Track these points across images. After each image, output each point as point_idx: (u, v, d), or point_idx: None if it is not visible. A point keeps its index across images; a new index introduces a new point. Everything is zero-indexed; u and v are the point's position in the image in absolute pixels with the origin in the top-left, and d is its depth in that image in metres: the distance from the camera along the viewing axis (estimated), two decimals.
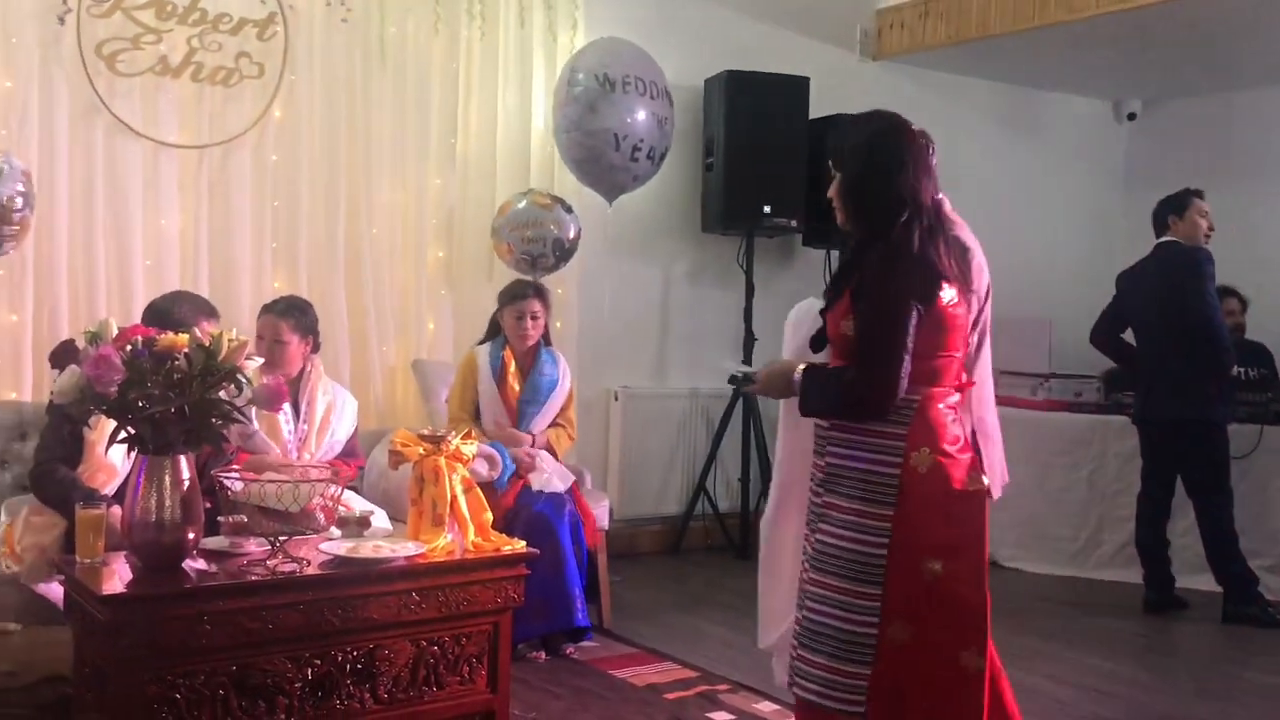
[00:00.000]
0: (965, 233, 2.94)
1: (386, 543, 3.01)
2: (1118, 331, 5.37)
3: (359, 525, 3.15)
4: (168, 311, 3.45)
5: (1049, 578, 5.60)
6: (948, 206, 2.97)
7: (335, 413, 3.89)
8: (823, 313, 2.69)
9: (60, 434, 3.35)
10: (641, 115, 4.96)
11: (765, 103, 5.62)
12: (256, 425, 3.66)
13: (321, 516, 2.84)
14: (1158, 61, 6.39)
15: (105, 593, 2.61)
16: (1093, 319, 7.25)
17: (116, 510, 3.06)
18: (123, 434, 2.69)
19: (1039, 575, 5.64)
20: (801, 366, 2.64)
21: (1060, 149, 7.27)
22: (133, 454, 3.16)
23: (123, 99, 4.27)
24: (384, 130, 4.85)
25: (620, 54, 5.03)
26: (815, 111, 5.78)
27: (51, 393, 3.36)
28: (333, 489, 2.87)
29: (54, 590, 3.14)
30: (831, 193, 2.70)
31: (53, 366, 2.81)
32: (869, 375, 2.50)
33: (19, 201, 3.79)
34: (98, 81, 4.20)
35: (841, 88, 6.12)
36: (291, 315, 3.82)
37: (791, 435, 2.90)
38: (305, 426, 3.80)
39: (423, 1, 4.90)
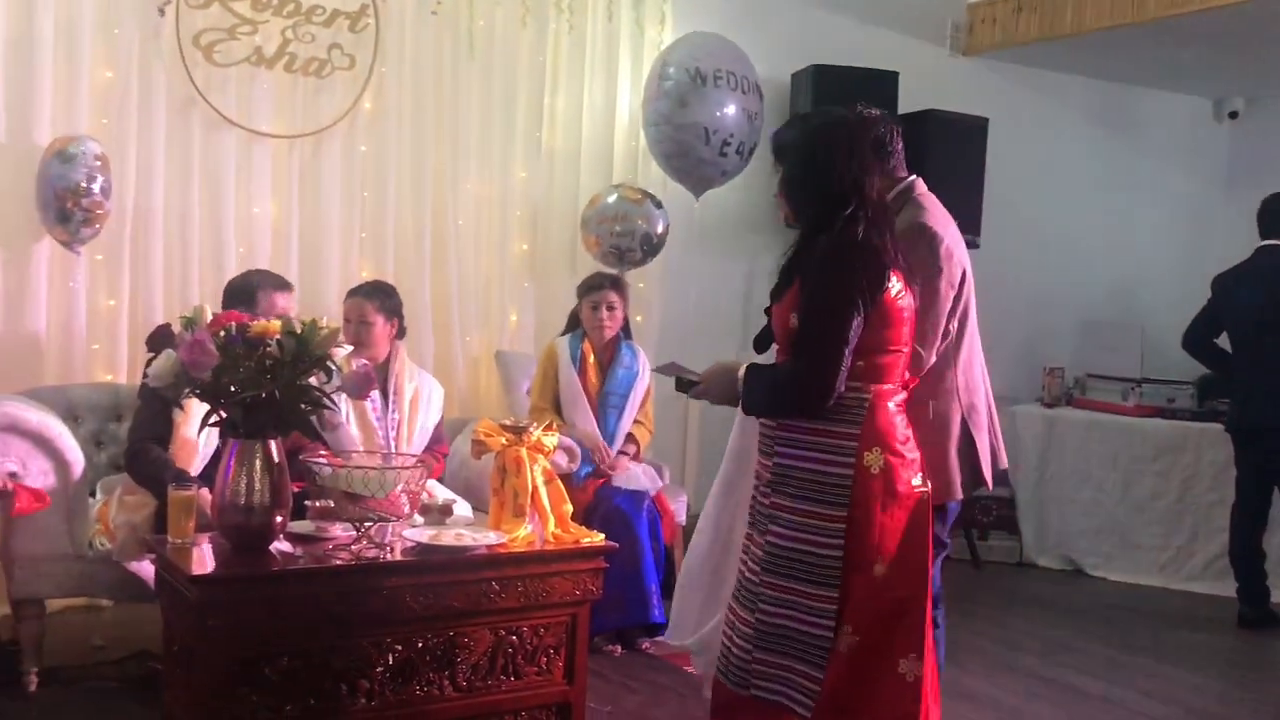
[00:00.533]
0: (935, 216, 2.91)
1: (468, 531, 3.03)
2: (1212, 336, 5.22)
3: (441, 513, 3.17)
4: (243, 286, 3.63)
5: (1136, 588, 5.46)
6: (921, 188, 3.00)
7: (423, 399, 3.95)
8: (768, 310, 2.66)
9: (153, 414, 3.43)
10: (731, 110, 4.93)
11: (853, 97, 5.40)
12: (344, 417, 3.71)
13: (406, 503, 2.87)
14: (1261, 58, 6.17)
15: (194, 573, 2.66)
16: (1187, 322, 7.07)
17: (206, 493, 3.12)
18: (214, 418, 2.74)
19: (1126, 585, 5.50)
20: (745, 366, 2.60)
21: (1157, 148, 7.07)
22: (214, 436, 3.28)
23: (218, 89, 4.35)
24: (471, 122, 4.88)
25: (711, 48, 5.00)
26: (904, 107, 5.68)
27: (145, 375, 3.47)
28: (417, 476, 2.89)
29: (145, 568, 3.21)
30: (777, 189, 2.69)
31: (149, 350, 2.87)
32: (808, 370, 2.46)
33: (93, 187, 3.88)
34: (195, 72, 4.28)
35: (931, 83, 6.02)
36: (376, 297, 3.90)
37: (738, 434, 2.89)
38: (396, 415, 3.85)
39: None
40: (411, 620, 2.81)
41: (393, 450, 3.80)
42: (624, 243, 4.84)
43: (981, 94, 6.24)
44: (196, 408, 3.16)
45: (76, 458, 3.43)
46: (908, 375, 2.63)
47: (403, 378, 3.92)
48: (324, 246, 4.60)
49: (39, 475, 3.36)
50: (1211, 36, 5.74)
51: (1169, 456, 5.51)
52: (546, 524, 3.07)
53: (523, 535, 3.03)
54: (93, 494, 3.62)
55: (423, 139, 4.77)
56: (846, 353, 2.43)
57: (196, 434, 3.39)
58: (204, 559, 2.77)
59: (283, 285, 3.74)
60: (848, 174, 2.52)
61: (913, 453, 2.53)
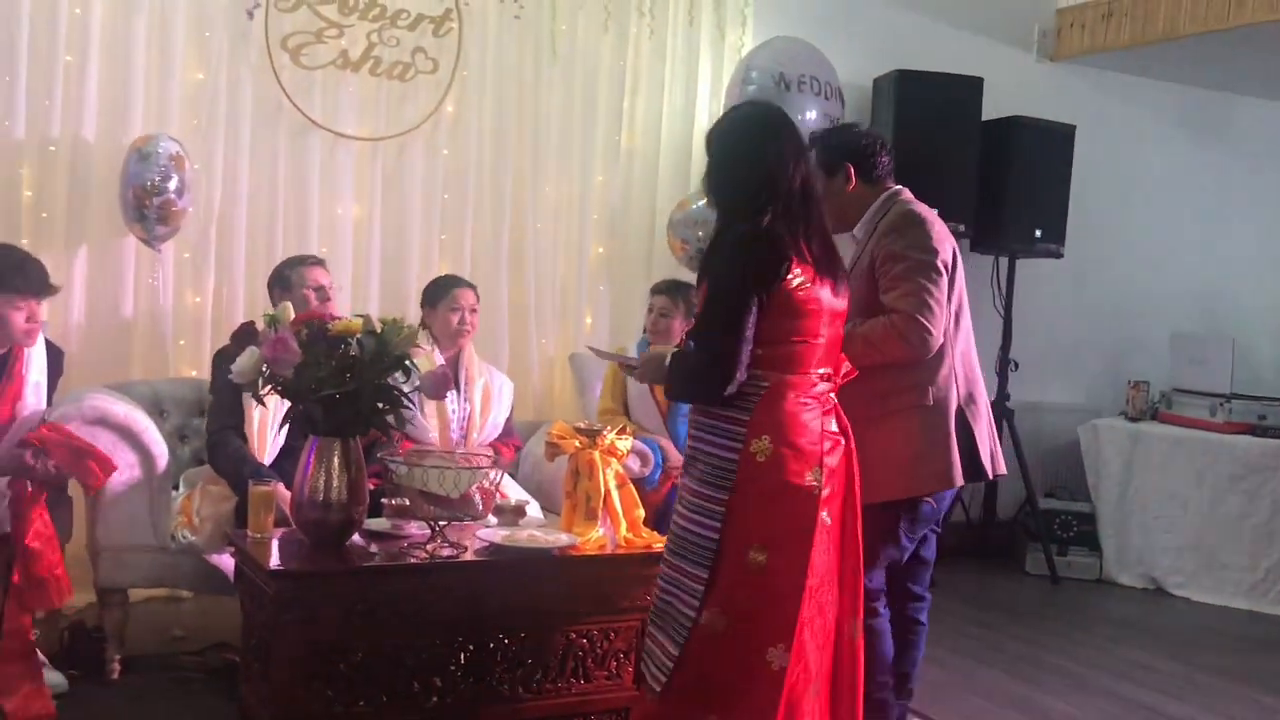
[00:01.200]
0: (922, 208, 2.99)
1: (541, 533, 3.04)
2: None
3: (515, 514, 3.19)
4: (276, 273, 3.85)
5: (1222, 609, 5.30)
6: (908, 195, 3.07)
7: (494, 393, 4.02)
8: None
9: (229, 403, 3.51)
10: (814, 115, 4.90)
11: (936, 103, 5.47)
12: (416, 409, 3.76)
13: (480, 503, 2.89)
14: None
15: (272, 567, 2.71)
16: None
17: (284, 490, 3.17)
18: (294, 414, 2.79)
19: (1210, 606, 5.34)
20: (672, 351, 2.63)
21: (1251, 157, 6.87)
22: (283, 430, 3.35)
23: (304, 92, 4.42)
24: (551, 126, 4.90)
25: (795, 53, 4.98)
26: (989, 113, 5.60)
27: (215, 364, 3.55)
28: (493, 475, 2.91)
29: (226, 561, 3.27)
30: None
31: (234, 346, 2.92)
32: (706, 358, 2.49)
33: (168, 186, 3.94)
34: (282, 75, 4.35)
35: (1017, 89, 5.92)
36: (474, 288, 4.05)
37: None
38: (468, 405, 3.91)
39: None
40: (484, 620, 2.83)
41: (464, 440, 3.86)
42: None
43: (1069, 100, 6.12)
44: (268, 399, 3.25)
45: (161, 451, 3.51)
46: (843, 368, 2.66)
47: (472, 369, 3.99)
48: (404, 248, 4.65)
49: (125, 468, 3.44)
50: None
51: (1259, 475, 5.34)
52: (618, 528, 3.07)
53: (595, 538, 3.03)
54: (175, 487, 3.70)
55: (503, 142, 4.81)
56: (741, 341, 2.45)
57: (272, 426, 3.47)
58: (282, 554, 2.81)
59: (312, 260, 3.87)
60: (760, 164, 2.55)
61: (814, 446, 2.50)
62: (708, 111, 5.18)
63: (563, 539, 2.98)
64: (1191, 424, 5.65)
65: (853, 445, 2.64)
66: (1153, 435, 5.66)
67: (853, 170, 3.07)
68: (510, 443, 4.05)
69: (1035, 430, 6.19)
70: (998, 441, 3.13)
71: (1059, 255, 5.81)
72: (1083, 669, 4.26)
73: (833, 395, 2.62)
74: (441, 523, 2.85)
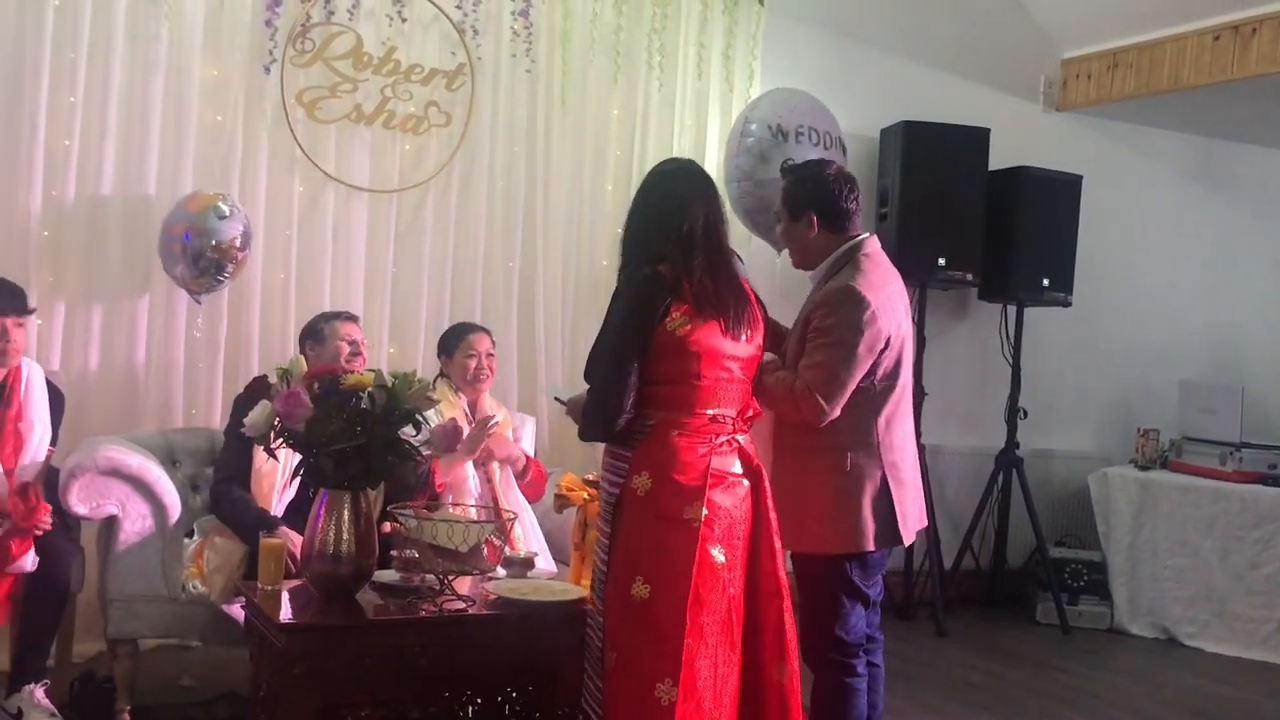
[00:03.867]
0: (870, 280, 2.97)
1: (549, 585, 3.05)
2: None
3: (523, 566, 3.20)
4: (310, 326, 3.88)
5: (1235, 660, 5.26)
6: (870, 248, 3.07)
7: (516, 425, 4.02)
8: None
9: (235, 453, 3.56)
10: None
11: (943, 153, 5.52)
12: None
13: (488, 555, 2.90)
14: None
15: (282, 620, 2.72)
16: None
17: (295, 536, 3.19)
18: (305, 469, 2.81)
19: (1224, 657, 5.30)
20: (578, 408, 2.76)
21: (1257, 205, 6.91)
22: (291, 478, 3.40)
23: (319, 145, 4.48)
24: (563, 176, 4.96)
25: (794, 104, 5.03)
26: (996, 163, 5.65)
27: (230, 416, 3.58)
28: (499, 532, 2.92)
29: (237, 611, 3.28)
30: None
31: (248, 398, 2.96)
32: (591, 399, 2.65)
33: (240, 241, 4.07)
34: (296, 128, 4.42)
35: (1024, 139, 5.97)
36: (489, 331, 4.09)
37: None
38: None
39: (604, 52, 5.01)
40: (492, 673, 2.83)
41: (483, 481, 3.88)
42: None
43: (1075, 150, 6.17)
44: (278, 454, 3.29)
45: (174, 501, 3.53)
46: (748, 409, 2.73)
47: (484, 408, 4.01)
48: (415, 299, 4.70)
49: (138, 518, 3.46)
50: None
51: (1271, 525, 5.31)
52: None
53: None
54: (189, 535, 3.71)
55: (514, 193, 4.87)
56: (623, 381, 2.55)
57: (281, 479, 3.50)
58: (292, 607, 2.83)
59: (346, 316, 3.90)
60: (656, 213, 2.68)
61: (695, 483, 2.57)
62: (716, 161, 5.24)
63: (571, 591, 2.99)
64: (1201, 472, 5.64)
65: (765, 486, 2.71)
66: (1163, 484, 5.65)
67: (815, 219, 3.08)
68: (539, 468, 4.07)
69: (1045, 478, 6.18)
70: (922, 502, 3.16)
71: (1067, 304, 5.84)
72: None
73: (739, 437, 2.69)
74: (450, 576, 2.86)
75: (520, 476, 3.94)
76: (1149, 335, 6.55)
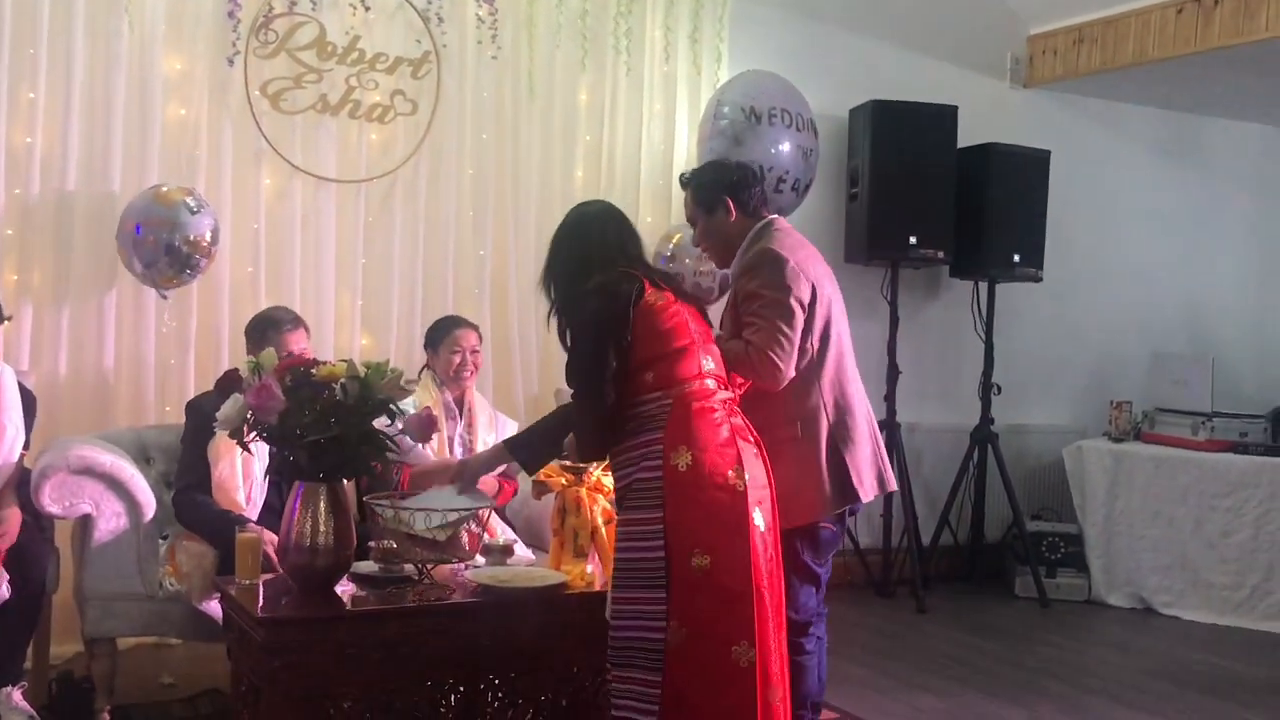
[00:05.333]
0: (785, 243, 3.06)
1: (529, 571, 3.04)
2: None
3: (503, 553, 3.20)
4: (256, 326, 3.75)
5: (1211, 627, 5.32)
6: (780, 224, 3.17)
7: (497, 426, 4.01)
8: None
9: (194, 459, 3.53)
10: (786, 147, 4.95)
11: (912, 132, 5.53)
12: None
13: (468, 544, 2.89)
14: None
15: (260, 614, 2.70)
16: (1259, 355, 6.94)
17: (271, 535, 3.18)
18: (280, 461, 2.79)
19: (1200, 624, 5.36)
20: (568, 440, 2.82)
21: (1224, 177, 6.96)
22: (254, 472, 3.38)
23: (284, 137, 4.45)
24: (531, 164, 4.94)
25: (766, 86, 5.03)
26: (964, 140, 5.67)
27: (198, 425, 3.55)
28: (479, 516, 2.91)
29: (215, 607, 3.27)
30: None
31: (217, 394, 2.93)
32: (580, 415, 2.68)
33: (210, 235, 4.05)
34: (261, 120, 4.39)
35: (991, 116, 5.99)
36: (476, 328, 4.04)
37: None
38: (471, 440, 3.90)
39: (571, 37, 4.99)
40: (475, 661, 2.82)
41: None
42: (705, 280, 4.87)
43: (1043, 126, 6.20)
44: (226, 447, 3.27)
45: (148, 499, 3.50)
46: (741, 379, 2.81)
47: (477, 409, 3.98)
48: (387, 289, 4.67)
49: (112, 516, 3.44)
50: (1277, 64, 5.65)
51: (1242, 492, 5.37)
52: (607, 564, 3.07)
53: (583, 575, 3.03)
54: (164, 535, 3.69)
55: (484, 180, 4.85)
56: (606, 386, 2.58)
57: (238, 479, 3.48)
58: (270, 600, 2.81)
59: (290, 324, 3.75)
60: (584, 238, 2.76)
61: (727, 449, 2.59)
62: (686, 145, 5.24)
63: (551, 577, 2.99)
64: (1174, 443, 5.69)
65: (765, 455, 2.73)
66: (1136, 455, 5.70)
67: (731, 203, 3.15)
68: (512, 483, 4.05)
69: (1020, 452, 6.22)
70: (885, 461, 3.20)
71: (1038, 279, 5.87)
72: (1077, 693, 4.27)
73: (737, 408, 2.72)
74: (429, 565, 2.85)
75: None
76: (1120, 308, 6.60)
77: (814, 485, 3.01)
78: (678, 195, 5.26)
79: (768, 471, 2.71)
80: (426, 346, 4.03)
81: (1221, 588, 5.41)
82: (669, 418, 2.59)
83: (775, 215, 3.24)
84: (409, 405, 3.76)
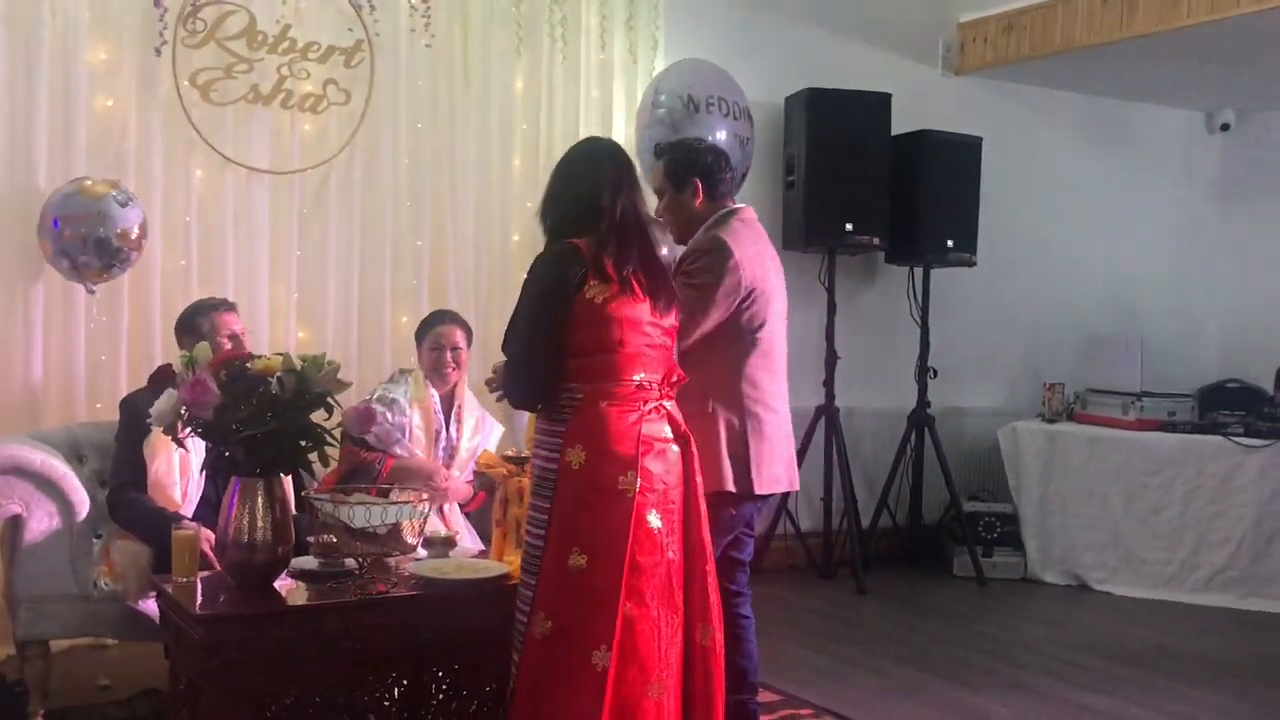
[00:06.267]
0: (739, 236, 3.10)
1: (471, 563, 3.04)
2: None
3: (445, 545, 3.19)
4: (186, 319, 3.71)
5: (1143, 601, 5.45)
6: (746, 215, 3.20)
7: (483, 430, 3.98)
8: None
9: (128, 458, 3.47)
10: (723, 135, 4.97)
11: (847, 119, 5.58)
12: (406, 434, 3.78)
13: (409, 536, 2.88)
14: (1251, 71, 6.22)
15: (198, 612, 2.67)
16: (1186, 335, 7.12)
17: (208, 532, 3.13)
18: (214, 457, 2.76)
19: (1132, 599, 5.49)
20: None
21: (1151, 161, 7.11)
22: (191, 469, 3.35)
23: (215, 128, 4.38)
24: (468, 152, 4.91)
25: (702, 75, 5.05)
26: (898, 128, 5.73)
27: (132, 423, 3.49)
28: (420, 509, 2.90)
29: (151, 606, 3.22)
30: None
31: (151, 390, 2.88)
32: (509, 366, 2.73)
33: (140, 229, 3.97)
34: (191, 111, 4.31)
35: (924, 103, 6.06)
36: (462, 324, 4.01)
37: None
38: (456, 436, 3.88)
39: (505, 25, 4.96)
40: (418, 654, 2.81)
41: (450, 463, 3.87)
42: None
43: (974, 113, 6.28)
44: (162, 443, 3.22)
45: (81, 498, 3.44)
46: (673, 374, 2.76)
47: (465, 406, 3.95)
48: (323, 282, 4.62)
49: (45, 516, 3.37)
50: (1201, 51, 5.78)
51: (1171, 470, 5.51)
52: None
53: None
54: (98, 534, 3.63)
55: (420, 170, 4.81)
56: (537, 352, 2.61)
57: (175, 476, 3.43)
58: (208, 597, 2.78)
59: (224, 305, 3.74)
60: (582, 193, 2.69)
61: (628, 452, 2.60)
62: (623, 134, 5.23)
63: (494, 568, 2.98)
64: (1106, 423, 5.82)
65: (693, 450, 2.74)
66: (1069, 435, 5.81)
67: (700, 185, 3.19)
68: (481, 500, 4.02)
69: (956, 435, 6.32)
70: (793, 466, 3.25)
71: (972, 264, 5.95)
72: (1014, 670, 4.35)
73: (666, 403, 2.72)
74: (369, 559, 2.84)
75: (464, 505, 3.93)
76: (1052, 291, 6.72)
77: (716, 462, 3.03)
78: None
79: (686, 470, 2.72)
80: (416, 338, 4.00)
81: (1152, 563, 5.54)
82: (575, 413, 2.61)
83: (744, 206, 3.27)
84: (400, 396, 3.76)
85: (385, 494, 2.99)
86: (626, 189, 2.72)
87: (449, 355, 3.88)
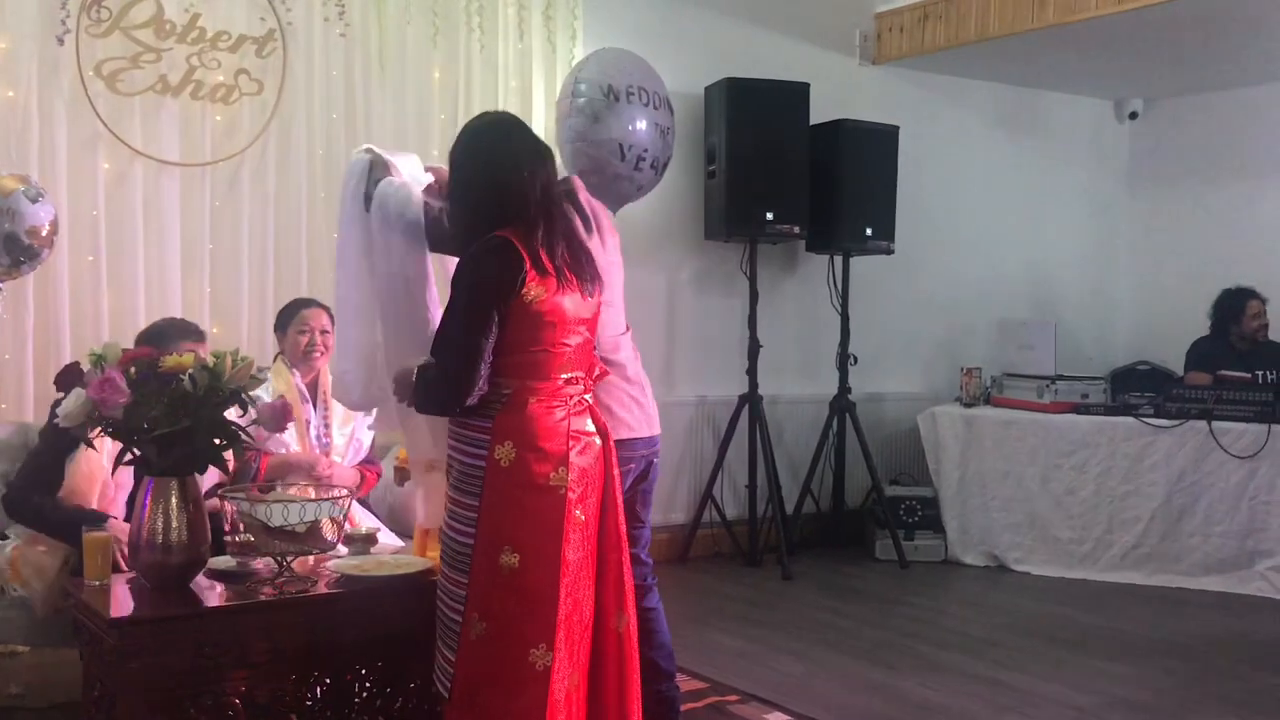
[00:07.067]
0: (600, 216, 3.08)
1: (393, 559, 3.00)
2: None
3: (365, 542, 3.15)
4: (155, 337, 3.45)
5: (1058, 580, 5.58)
6: (575, 184, 3.12)
7: (355, 416, 3.90)
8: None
9: (46, 463, 3.32)
10: (644, 125, 4.96)
11: (766, 109, 5.61)
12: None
13: (329, 534, 2.83)
14: (1156, 61, 6.38)
15: (112, 615, 2.61)
16: (1098, 319, 7.30)
17: (122, 524, 3.05)
18: (128, 456, 2.69)
19: (1049, 578, 5.61)
20: (418, 365, 2.66)
21: (1062, 149, 7.26)
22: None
23: (123, 119, 4.27)
24: (384, 143, 4.80)
25: (622, 64, 5.03)
26: (816, 117, 5.78)
27: (55, 415, 3.37)
28: (340, 506, 2.86)
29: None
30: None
31: (58, 390, 2.81)
32: (442, 371, 2.57)
33: (52, 225, 3.85)
34: (97, 101, 4.20)
35: (842, 93, 6.12)
36: (327, 307, 3.90)
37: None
38: (325, 425, 3.81)
39: (421, 13, 4.90)
40: (340, 652, 2.77)
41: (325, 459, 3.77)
42: None
43: (891, 102, 6.36)
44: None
45: None
46: (594, 369, 2.74)
47: (329, 392, 3.88)
48: (236, 276, 4.53)
49: None
50: (1109, 40, 5.92)
51: (1084, 451, 5.63)
52: None
53: None
54: (4, 536, 3.51)
55: (335, 162, 4.72)
56: (477, 353, 2.51)
57: (105, 469, 3.33)
58: (122, 600, 2.71)
59: (196, 335, 3.57)
60: (492, 177, 2.59)
61: (557, 448, 2.58)
62: (543, 124, 5.21)
63: (416, 564, 2.95)
64: (1021, 406, 5.93)
65: (611, 444, 2.73)
66: (986, 419, 5.92)
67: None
68: (374, 469, 3.97)
69: (877, 420, 6.40)
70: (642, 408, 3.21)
71: (890, 251, 6.03)
72: (936, 650, 4.43)
73: (586, 397, 2.71)
74: (289, 557, 2.79)
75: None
76: (968, 278, 6.83)
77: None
78: None
79: (607, 460, 2.70)
80: (276, 330, 3.93)
81: (1067, 542, 5.67)
82: (503, 409, 2.56)
83: (573, 175, 3.22)
84: (264, 393, 3.66)
85: (267, 491, 2.92)
86: (541, 164, 2.64)
87: (318, 338, 3.83)
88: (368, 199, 2.83)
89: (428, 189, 2.90)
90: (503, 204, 2.58)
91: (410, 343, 2.78)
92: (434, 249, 2.86)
